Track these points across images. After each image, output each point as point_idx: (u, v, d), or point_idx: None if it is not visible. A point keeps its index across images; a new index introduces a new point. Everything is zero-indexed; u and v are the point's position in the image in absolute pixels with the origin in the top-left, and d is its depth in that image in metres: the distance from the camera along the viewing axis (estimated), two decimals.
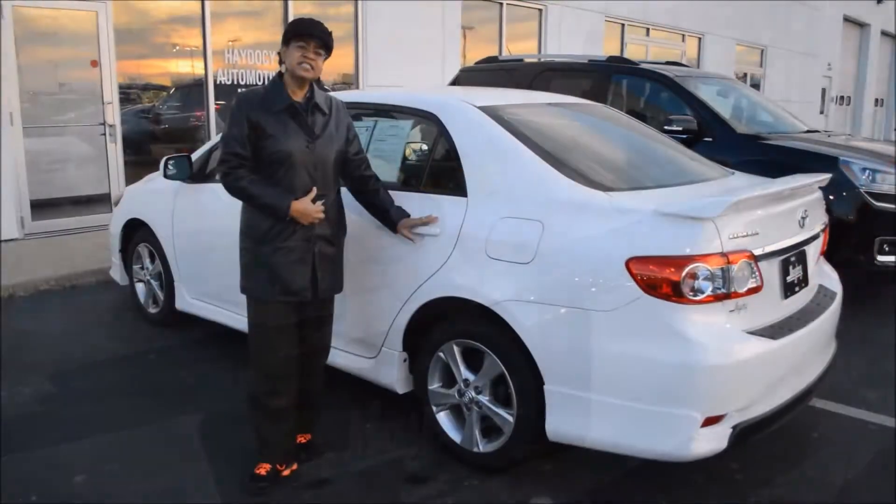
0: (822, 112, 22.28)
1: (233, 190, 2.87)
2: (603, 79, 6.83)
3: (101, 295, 5.73)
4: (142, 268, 5.03)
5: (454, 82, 8.17)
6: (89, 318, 5.18)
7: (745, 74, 18.20)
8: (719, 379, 2.54)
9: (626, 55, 11.90)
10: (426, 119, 3.35)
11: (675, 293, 2.52)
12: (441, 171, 3.25)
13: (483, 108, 3.25)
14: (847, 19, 23.06)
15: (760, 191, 2.74)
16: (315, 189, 2.88)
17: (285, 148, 2.81)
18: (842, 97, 24.20)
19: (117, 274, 5.33)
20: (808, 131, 6.59)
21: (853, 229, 5.28)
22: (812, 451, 3.32)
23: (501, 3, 11.68)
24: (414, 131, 3.45)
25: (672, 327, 2.53)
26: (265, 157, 2.84)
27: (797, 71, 20.37)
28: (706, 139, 5.98)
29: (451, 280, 3.00)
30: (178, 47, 8.47)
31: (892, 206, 5.34)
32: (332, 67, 9.56)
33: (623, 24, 14.18)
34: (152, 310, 4.98)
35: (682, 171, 3.36)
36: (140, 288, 5.09)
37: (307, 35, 2.81)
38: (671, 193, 2.94)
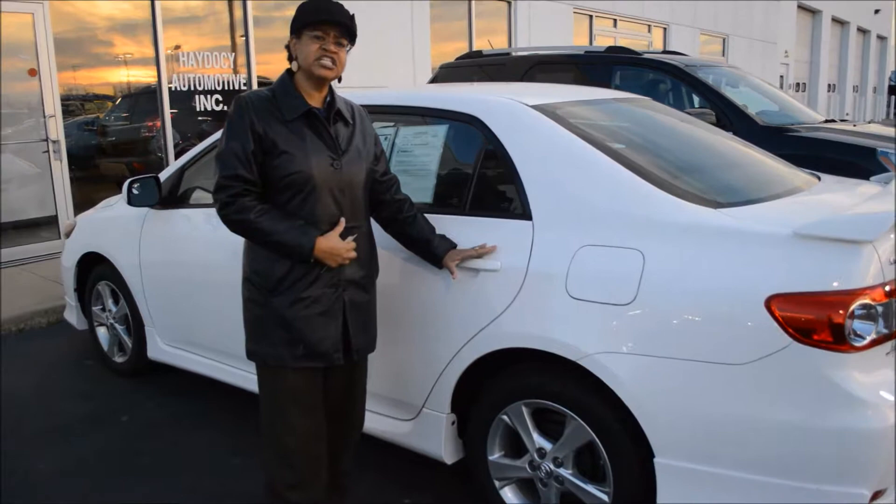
0: None
1: (236, 224, 2.19)
2: (602, 71, 6.28)
3: (55, 340, 4.92)
4: (103, 309, 4.28)
5: (434, 80, 7.53)
6: (43, 370, 4.38)
7: None
8: (891, 445, 1.97)
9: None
10: (466, 123, 2.70)
11: (835, 339, 1.94)
12: (491, 188, 2.62)
13: (538, 108, 2.62)
14: (800, 7, 23.13)
15: None
16: (343, 220, 2.23)
17: (305, 168, 2.16)
18: (798, 84, 24.27)
19: (73, 317, 4.55)
20: (826, 121, 6.13)
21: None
22: None
23: None
24: (449, 139, 2.78)
25: (833, 383, 1.95)
26: (277, 181, 2.18)
27: (757, 59, 20.28)
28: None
29: (520, 327, 2.37)
30: (126, 53, 7.65)
31: None
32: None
33: (591, 16, 13.75)
34: (118, 359, 4.24)
35: (776, 178, 2.78)
36: (102, 333, 4.34)
37: (327, 21, 2.16)
38: (790, 207, 2.36)
